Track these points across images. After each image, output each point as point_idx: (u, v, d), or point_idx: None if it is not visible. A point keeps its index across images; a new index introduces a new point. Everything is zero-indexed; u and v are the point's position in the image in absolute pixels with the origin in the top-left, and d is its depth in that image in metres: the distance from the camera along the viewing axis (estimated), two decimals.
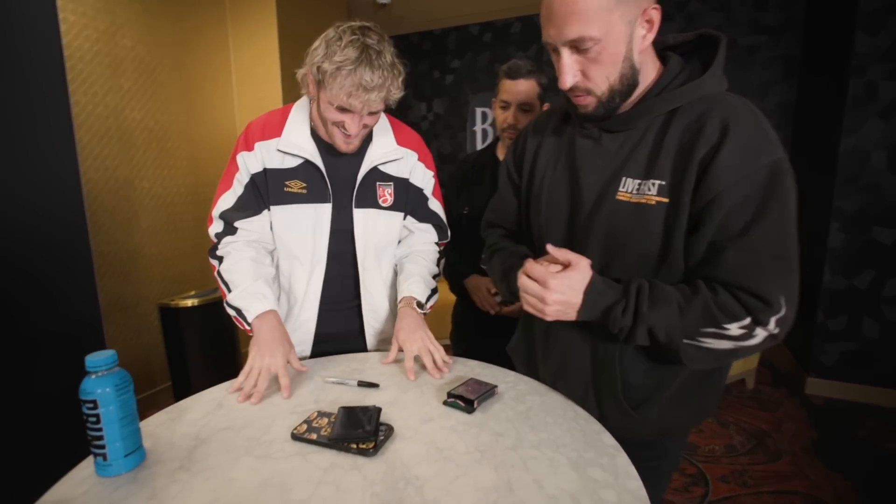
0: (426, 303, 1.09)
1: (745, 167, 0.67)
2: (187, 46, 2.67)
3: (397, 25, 4.20)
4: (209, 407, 0.86)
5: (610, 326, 0.75)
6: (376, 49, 0.89)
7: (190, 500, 0.61)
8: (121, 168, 2.36)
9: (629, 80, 0.74)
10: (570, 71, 0.73)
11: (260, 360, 0.90)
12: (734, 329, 0.69)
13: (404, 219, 1.14)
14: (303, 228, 1.04)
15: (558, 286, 0.74)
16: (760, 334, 0.69)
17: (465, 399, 0.83)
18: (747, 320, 0.68)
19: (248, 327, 0.98)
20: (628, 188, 0.76)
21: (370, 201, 1.06)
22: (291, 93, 2.90)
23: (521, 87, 1.35)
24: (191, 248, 2.76)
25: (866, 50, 2.38)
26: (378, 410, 0.78)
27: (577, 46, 0.71)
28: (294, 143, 1.01)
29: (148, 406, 2.42)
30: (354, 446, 0.70)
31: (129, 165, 2.40)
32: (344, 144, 0.98)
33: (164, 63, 2.54)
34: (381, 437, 0.72)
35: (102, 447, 0.65)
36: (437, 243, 1.21)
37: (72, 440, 1.80)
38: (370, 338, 1.14)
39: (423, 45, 4.39)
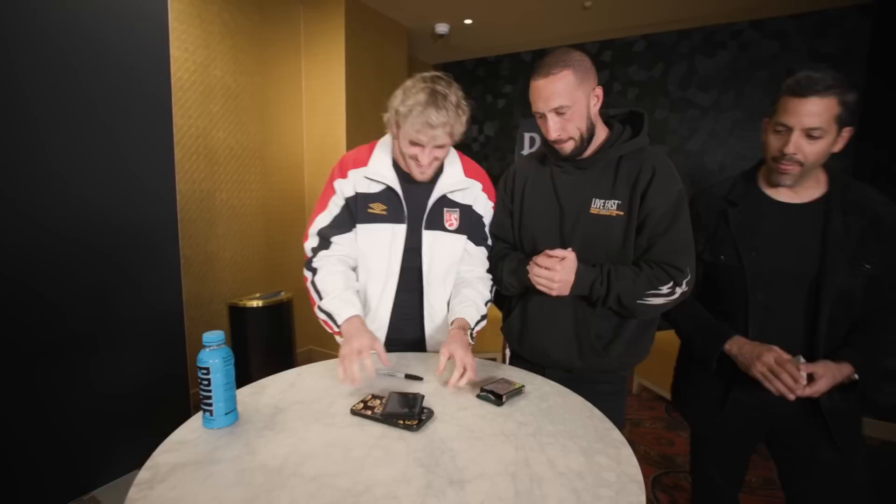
0: (474, 328, 1.19)
1: (665, 193, 1.09)
2: (267, 76, 3.00)
3: (454, 53, 4.45)
4: (284, 385, 1.04)
5: (591, 295, 1.10)
6: (442, 93, 1.06)
7: (274, 450, 0.78)
8: (205, 181, 2.69)
9: (590, 132, 1.13)
10: (555, 128, 1.09)
11: (349, 346, 1.00)
12: (664, 289, 1.08)
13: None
14: (381, 245, 1.19)
15: (561, 269, 1.07)
16: (678, 291, 1.09)
17: (496, 394, 0.96)
18: (671, 283, 1.08)
19: (336, 329, 1.11)
20: (598, 206, 1.13)
21: (438, 224, 1.21)
22: (353, 120, 3.17)
23: (813, 108, 1.01)
24: (258, 254, 3.06)
25: None
26: (422, 397, 0.93)
27: (557, 111, 1.07)
28: (378, 172, 1.18)
29: None
30: (401, 422, 0.86)
31: (212, 179, 2.73)
32: (419, 174, 1.15)
33: (246, 90, 2.88)
34: (424, 418, 0.87)
35: (210, 405, 0.84)
36: (489, 270, 1.30)
37: (144, 413, 2.08)
38: (430, 347, 1.28)
39: (477, 71, 4.62)
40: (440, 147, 1.11)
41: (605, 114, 1.20)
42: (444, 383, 1.04)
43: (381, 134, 1.26)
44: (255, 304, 2.70)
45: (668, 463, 2.27)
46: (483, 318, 1.23)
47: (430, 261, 1.22)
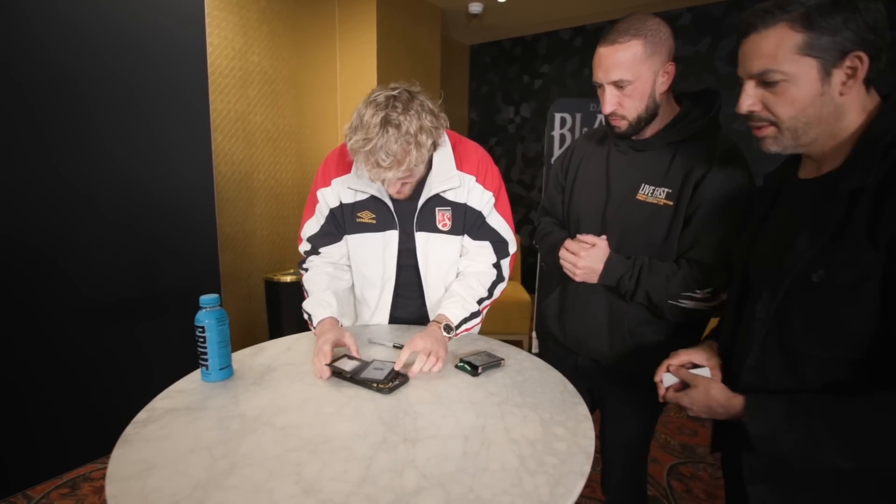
0: (458, 327, 1.11)
1: (723, 186, 0.97)
2: (302, 61, 3.11)
3: (489, 33, 4.39)
4: (282, 348, 1.13)
5: (619, 288, 1.04)
6: (395, 123, 0.93)
7: (256, 403, 0.86)
8: (243, 163, 2.86)
9: (651, 112, 1.02)
10: (611, 101, 1.00)
11: (317, 345, 1.00)
12: (701, 294, 0.98)
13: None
14: (373, 254, 1.18)
15: (586, 257, 1.05)
16: (720, 297, 0.98)
17: (472, 365, 1.00)
18: (710, 288, 0.98)
19: (313, 330, 1.12)
20: (645, 192, 1.04)
21: (430, 226, 1.16)
22: None
23: (753, 49, 0.70)
24: (293, 232, 3.22)
25: None
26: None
27: (616, 85, 0.98)
28: (362, 181, 1.12)
29: None
30: (375, 386, 0.91)
31: (250, 161, 2.89)
32: (395, 195, 1.09)
33: (282, 75, 3.00)
34: (397, 383, 0.92)
35: (206, 360, 0.94)
36: (495, 264, 1.21)
37: (186, 373, 2.26)
38: None
39: (514, 51, 4.53)
40: (407, 175, 1.01)
41: (678, 90, 1.08)
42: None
43: None
44: (288, 279, 2.86)
45: (689, 453, 2.21)
46: (474, 315, 1.15)
47: (426, 262, 1.18)
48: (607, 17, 3.91)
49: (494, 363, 1.02)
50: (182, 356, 2.18)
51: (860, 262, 0.63)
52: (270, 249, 3.09)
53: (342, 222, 1.19)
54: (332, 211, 1.18)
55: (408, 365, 0.99)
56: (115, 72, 1.84)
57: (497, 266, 1.22)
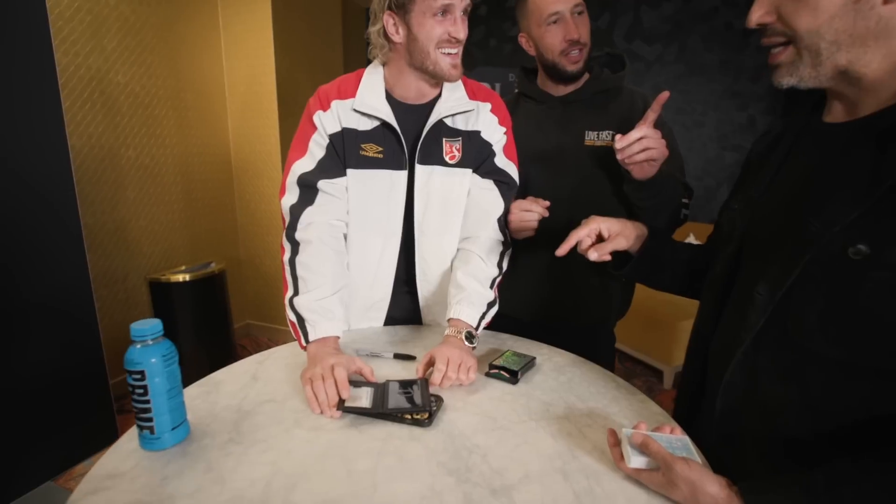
0: (478, 327, 0.95)
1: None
2: (174, 8, 2.51)
3: None
4: (244, 379, 0.83)
5: (660, 199, 1.02)
6: None
7: (249, 472, 0.59)
8: (105, 135, 2.23)
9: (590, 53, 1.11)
10: (573, 29, 1.03)
11: (318, 367, 0.77)
12: (686, 201, 1.09)
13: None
14: (378, 196, 0.98)
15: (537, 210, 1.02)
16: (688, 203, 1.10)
17: (509, 370, 0.83)
18: (687, 197, 1.10)
19: (304, 343, 0.87)
20: (591, 137, 1.11)
21: (435, 158, 0.99)
22: (285, 61, 2.77)
23: None
24: (179, 220, 2.66)
25: None
26: (426, 382, 0.77)
27: (577, 11, 1.05)
28: (369, 104, 0.95)
29: None
30: (409, 417, 0.69)
31: (114, 133, 2.27)
32: (452, 68, 0.92)
33: (149, 24, 2.38)
34: (434, 408, 0.72)
35: (150, 420, 0.63)
36: (501, 221, 1.04)
37: (59, 410, 1.75)
38: (426, 318, 1.10)
39: None
40: (464, 16, 0.90)
41: None
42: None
43: (319, 78, 0.97)
44: (181, 278, 2.35)
45: None
46: (490, 305, 0.99)
47: (424, 205, 0.99)
48: None
49: (528, 364, 0.87)
50: (52, 385, 1.66)
51: None
52: (151, 243, 2.52)
53: (342, 154, 0.97)
54: (331, 139, 0.97)
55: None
56: None
57: (502, 228, 1.04)
